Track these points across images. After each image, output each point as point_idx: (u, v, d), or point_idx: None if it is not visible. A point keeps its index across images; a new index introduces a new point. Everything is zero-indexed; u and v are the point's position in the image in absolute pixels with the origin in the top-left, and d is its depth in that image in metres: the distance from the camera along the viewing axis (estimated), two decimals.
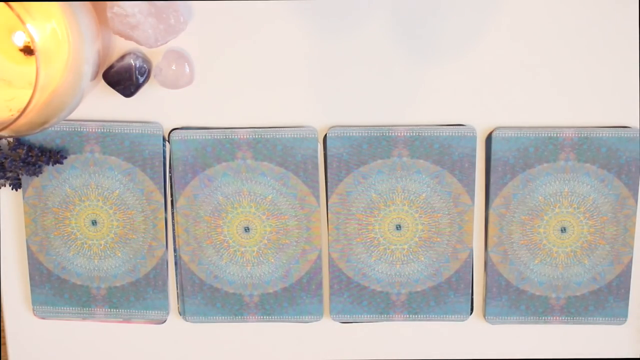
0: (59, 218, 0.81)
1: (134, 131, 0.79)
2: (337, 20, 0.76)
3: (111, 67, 0.77)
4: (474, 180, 0.80)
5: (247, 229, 0.81)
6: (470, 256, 0.82)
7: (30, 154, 0.79)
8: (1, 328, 1.08)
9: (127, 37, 0.73)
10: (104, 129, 0.79)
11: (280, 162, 0.79)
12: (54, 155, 0.79)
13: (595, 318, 0.82)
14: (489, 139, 0.79)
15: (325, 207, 0.81)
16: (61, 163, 0.79)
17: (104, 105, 0.79)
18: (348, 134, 0.79)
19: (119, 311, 0.84)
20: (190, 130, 0.79)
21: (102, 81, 0.77)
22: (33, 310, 0.84)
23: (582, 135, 0.78)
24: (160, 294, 0.83)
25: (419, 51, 0.77)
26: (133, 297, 0.83)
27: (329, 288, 0.83)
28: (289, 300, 0.83)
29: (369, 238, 0.81)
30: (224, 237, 0.81)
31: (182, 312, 0.84)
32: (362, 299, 0.83)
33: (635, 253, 0.81)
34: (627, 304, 0.82)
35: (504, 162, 0.79)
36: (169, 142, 0.79)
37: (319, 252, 0.82)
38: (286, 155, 0.79)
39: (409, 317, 0.83)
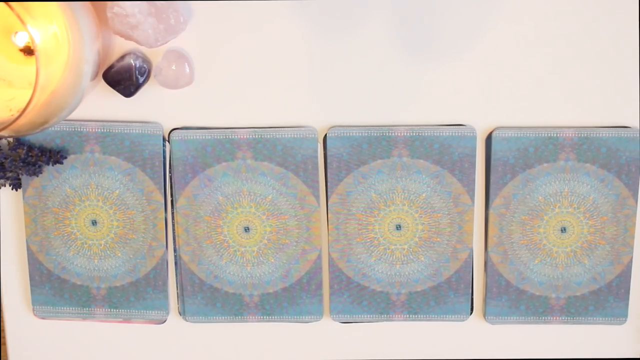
0: (59, 218, 0.81)
1: (134, 131, 0.79)
2: (337, 20, 0.76)
3: (111, 67, 0.77)
4: (474, 180, 0.80)
5: (247, 229, 0.81)
6: (470, 256, 0.82)
7: (30, 154, 0.79)
8: (1, 328, 1.08)
9: (127, 37, 0.73)
10: (104, 129, 0.79)
11: (280, 162, 0.79)
12: (54, 155, 0.79)
13: (595, 318, 0.82)
14: (489, 139, 0.79)
15: (325, 207, 0.81)
16: (61, 163, 0.79)
17: (104, 105, 0.79)
18: (348, 134, 0.79)
19: (119, 311, 0.84)
20: (190, 130, 0.79)
21: (102, 81, 0.77)
22: (33, 310, 0.84)
23: (582, 135, 0.78)
24: (160, 294, 0.83)
25: (419, 51, 0.77)
26: (133, 297, 0.83)
27: (329, 288, 0.83)
28: (289, 300, 0.83)
29: (369, 238, 0.81)
30: (224, 237, 0.82)
31: (182, 312, 0.84)
32: (362, 299, 0.83)
33: (635, 253, 0.81)
34: (627, 304, 0.82)
35: (504, 162, 0.79)
36: (169, 142, 0.79)
37: (319, 252, 0.82)
38: (286, 155, 0.79)
39: (409, 317, 0.83)
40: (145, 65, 0.77)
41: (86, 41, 0.68)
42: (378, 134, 0.78)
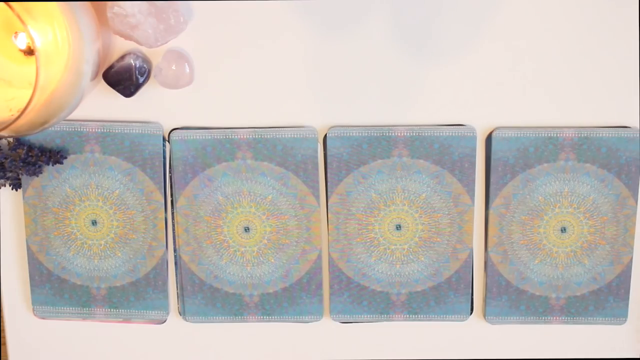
0: (59, 218, 0.81)
1: (134, 131, 0.79)
2: (337, 21, 0.76)
3: (111, 67, 0.77)
4: (474, 180, 0.80)
5: (247, 229, 0.81)
6: (470, 256, 0.82)
7: (30, 154, 0.79)
8: (1, 328, 1.08)
9: (127, 37, 0.73)
10: (104, 129, 0.79)
11: (280, 162, 0.79)
12: (54, 155, 0.79)
13: (595, 318, 0.82)
14: (489, 139, 0.79)
15: (325, 207, 0.81)
16: (61, 163, 0.79)
17: (104, 105, 0.79)
18: (348, 134, 0.79)
19: (119, 311, 0.84)
20: (190, 130, 0.79)
21: (102, 81, 0.77)
22: (33, 310, 0.84)
23: (582, 135, 0.78)
24: (160, 294, 0.83)
25: (419, 51, 0.77)
26: (133, 297, 0.83)
27: (329, 288, 0.83)
28: (289, 300, 0.83)
29: (369, 238, 0.81)
30: (224, 237, 0.82)
31: (182, 312, 0.84)
32: (362, 299, 0.83)
33: (635, 253, 0.81)
34: (627, 304, 0.82)
35: (504, 162, 0.79)
36: (169, 142, 0.79)
37: (319, 252, 0.82)
38: (286, 155, 0.79)
39: (409, 317, 0.83)
40: (145, 65, 0.77)
41: (86, 41, 0.68)
42: (378, 134, 0.78)
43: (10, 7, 0.63)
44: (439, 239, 0.81)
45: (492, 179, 0.79)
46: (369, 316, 0.83)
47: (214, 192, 0.80)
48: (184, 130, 0.79)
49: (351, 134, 0.79)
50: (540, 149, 0.78)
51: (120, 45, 0.77)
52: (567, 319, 0.83)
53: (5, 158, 0.79)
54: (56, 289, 0.83)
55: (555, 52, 0.77)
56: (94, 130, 0.79)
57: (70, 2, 0.67)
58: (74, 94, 0.69)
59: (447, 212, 0.80)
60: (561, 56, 0.77)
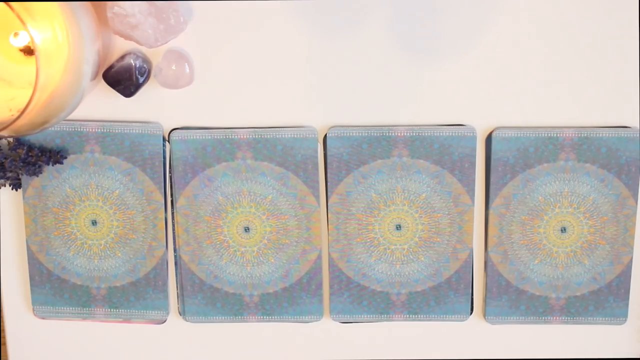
0: (59, 218, 0.81)
1: (134, 131, 0.79)
2: (337, 20, 0.76)
3: (111, 67, 0.77)
4: (474, 180, 0.80)
5: (247, 229, 0.81)
6: (470, 256, 0.82)
7: (30, 154, 0.79)
8: (1, 328, 1.08)
9: (127, 37, 0.73)
10: (104, 129, 0.79)
11: (280, 162, 0.79)
12: (54, 155, 0.79)
13: (595, 318, 0.82)
14: (489, 139, 0.79)
15: (325, 207, 0.81)
16: (61, 163, 0.79)
17: (104, 105, 0.79)
18: (348, 134, 0.79)
19: (119, 311, 0.84)
20: (190, 130, 0.79)
21: (102, 81, 0.77)
22: (33, 310, 0.84)
23: (582, 135, 0.78)
24: (160, 294, 0.83)
25: (419, 51, 0.77)
26: (133, 297, 0.83)
27: (329, 288, 0.83)
28: (289, 300, 0.83)
29: (369, 238, 0.81)
30: (224, 237, 0.82)
31: (182, 312, 0.84)
32: (362, 299, 0.83)
33: (635, 253, 0.81)
34: (627, 304, 0.82)
35: (504, 162, 0.79)
36: (169, 142, 0.79)
37: (319, 252, 0.82)
38: (286, 155, 0.79)
39: (409, 317, 0.83)
40: (145, 65, 0.77)
41: (86, 41, 0.68)
42: (378, 134, 0.78)
43: (10, 7, 0.63)
44: (439, 239, 0.81)
45: (492, 179, 0.79)
46: (369, 316, 0.83)
47: (214, 192, 0.80)
48: (184, 130, 0.79)
49: (351, 134, 0.79)
50: (540, 149, 0.78)
51: (120, 45, 0.77)
52: (567, 319, 0.83)
53: (5, 158, 0.79)
54: (56, 289, 0.83)
55: (555, 52, 0.77)
56: (94, 130, 0.79)
57: (70, 2, 0.67)
58: (74, 94, 0.69)
59: (447, 212, 0.80)
60: (561, 56, 0.77)
